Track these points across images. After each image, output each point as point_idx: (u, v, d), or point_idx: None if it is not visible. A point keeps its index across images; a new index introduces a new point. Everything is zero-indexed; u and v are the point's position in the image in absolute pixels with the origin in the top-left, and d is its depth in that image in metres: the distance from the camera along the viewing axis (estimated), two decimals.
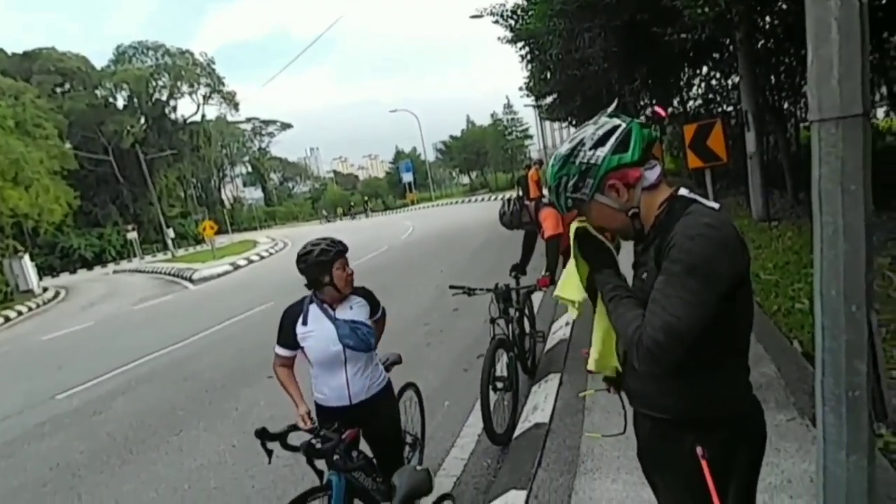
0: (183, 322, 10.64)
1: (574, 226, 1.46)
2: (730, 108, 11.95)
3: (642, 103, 14.32)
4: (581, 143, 1.30)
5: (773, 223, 7.65)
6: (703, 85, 12.67)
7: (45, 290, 24.34)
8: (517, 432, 3.62)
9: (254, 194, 74.68)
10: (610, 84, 11.96)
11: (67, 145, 35.86)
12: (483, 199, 35.77)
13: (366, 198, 50.35)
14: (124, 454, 4.68)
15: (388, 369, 2.79)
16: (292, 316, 2.49)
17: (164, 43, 50.33)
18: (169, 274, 22.18)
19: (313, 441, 2.24)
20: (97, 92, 46.90)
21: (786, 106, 10.34)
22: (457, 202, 39.01)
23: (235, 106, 55.08)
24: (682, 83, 12.72)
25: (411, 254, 15.01)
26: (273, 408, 4.88)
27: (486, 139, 48.16)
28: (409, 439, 3.13)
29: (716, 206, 1.27)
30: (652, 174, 1.31)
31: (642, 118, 1.35)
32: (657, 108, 1.38)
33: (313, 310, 2.47)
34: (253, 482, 3.75)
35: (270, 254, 23.94)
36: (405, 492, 1.71)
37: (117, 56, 49.72)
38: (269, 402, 5.08)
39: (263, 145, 71.29)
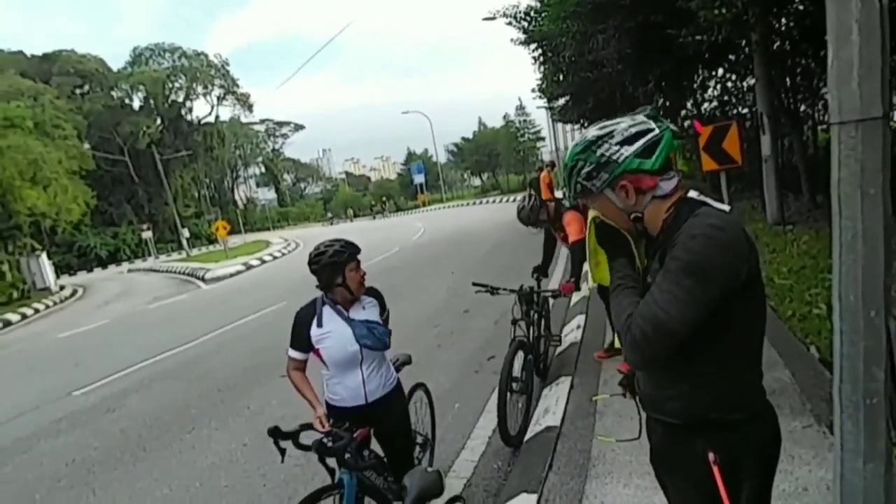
0: (196, 321, 10.75)
1: (591, 214, 1.46)
2: (745, 111, 11.81)
3: (657, 105, 14.25)
4: (610, 134, 1.28)
5: (789, 227, 7.55)
6: (718, 87, 12.53)
7: (62, 288, 24.74)
8: (528, 435, 3.61)
9: (266, 195, 75.27)
10: (623, 86, 11.87)
11: (86, 146, 36.41)
12: (494, 201, 35.69)
13: (384, 198, 50.48)
14: (138, 451, 4.73)
15: (398, 370, 2.80)
16: (305, 318, 2.49)
17: (181, 45, 51.02)
18: (183, 273, 22.43)
19: (325, 440, 2.25)
20: (113, 93, 47.64)
21: (802, 108, 10.19)
22: (468, 204, 38.98)
23: (249, 107, 55.73)
24: (696, 85, 12.59)
25: (422, 255, 15.03)
26: (285, 407, 4.91)
27: (497, 141, 48.06)
28: (419, 440, 3.13)
29: (726, 207, 1.25)
30: (668, 185, 1.29)
31: (674, 127, 1.32)
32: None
33: (327, 311, 2.47)
34: (264, 481, 3.78)
35: (283, 254, 24.10)
36: (416, 493, 1.71)
37: (134, 58, 50.52)
38: (281, 401, 5.11)
39: (277, 146, 71.86)
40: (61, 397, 6.76)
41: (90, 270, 39.08)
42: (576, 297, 6.06)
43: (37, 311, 18.85)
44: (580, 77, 11.70)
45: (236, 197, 64.59)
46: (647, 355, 1.21)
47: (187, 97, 51.53)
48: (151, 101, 48.79)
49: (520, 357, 3.79)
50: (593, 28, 8.75)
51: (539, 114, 40.26)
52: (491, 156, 49.42)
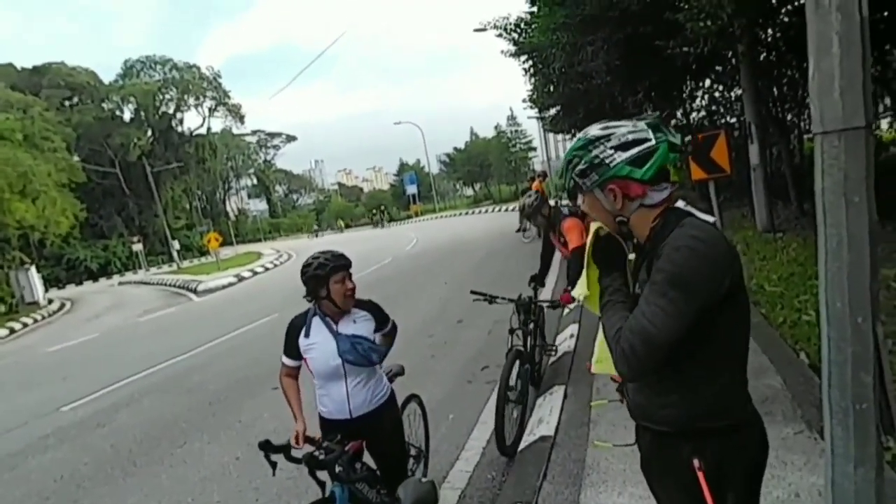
0: (187, 334, 10.65)
1: (594, 226, 1.47)
2: (733, 120, 11.98)
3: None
4: (608, 137, 1.29)
5: (778, 234, 7.63)
6: (706, 97, 12.71)
7: (50, 301, 24.48)
8: (522, 445, 3.60)
9: (258, 206, 75.01)
10: (613, 97, 12.00)
11: (76, 158, 36.21)
12: (487, 211, 35.80)
13: (383, 207, 50.26)
14: (128, 466, 4.67)
15: (391, 380, 2.78)
16: (297, 327, 2.51)
17: (172, 58, 51.02)
18: (174, 286, 22.26)
19: (316, 453, 2.23)
20: (104, 105, 47.48)
21: (789, 117, 10.36)
22: (460, 214, 39.07)
23: (241, 118, 55.69)
24: (684, 95, 12.76)
25: (415, 265, 15.02)
26: (276, 420, 4.86)
27: (489, 151, 48.31)
28: (413, 452, 3.11)
29: (710, 219, 1.27)
30: (658, 196, 1.30)
31: (674, 139, 1.31)
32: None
33: (316, 322, 2.47)
34: (257, 495, 3.74)
35: (275, 265, 23.99)
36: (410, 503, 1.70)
37: (125, 70, 50.40)
38: (273, 414, 5.07)
39: (268, 157, 71.69)
40: (50, 412, 6.66)
41: (80, 283, 38.67)
42: (571, 306, 6.07)
43: (25, 325, 18.62)
44: (570, 88, 11.81)
45: (228, 208, 64.32)
46: (635, 368, 1.22)
47: (178, 109, 51.45)
48: (142, 113, 48.66)
49: (517, 367, 3.80)
50: (583, 40, 8.85)
51: (530, 124, 40.64)
52: (483, 166, 49.61)
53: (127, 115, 49.31)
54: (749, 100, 8.23)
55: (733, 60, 9.18)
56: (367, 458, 2.56)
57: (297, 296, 2.62)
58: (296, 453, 2.25)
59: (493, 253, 13.77)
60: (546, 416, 3.80)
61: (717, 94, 12.26)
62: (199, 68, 52.10)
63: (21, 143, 24.44)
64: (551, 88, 12.96)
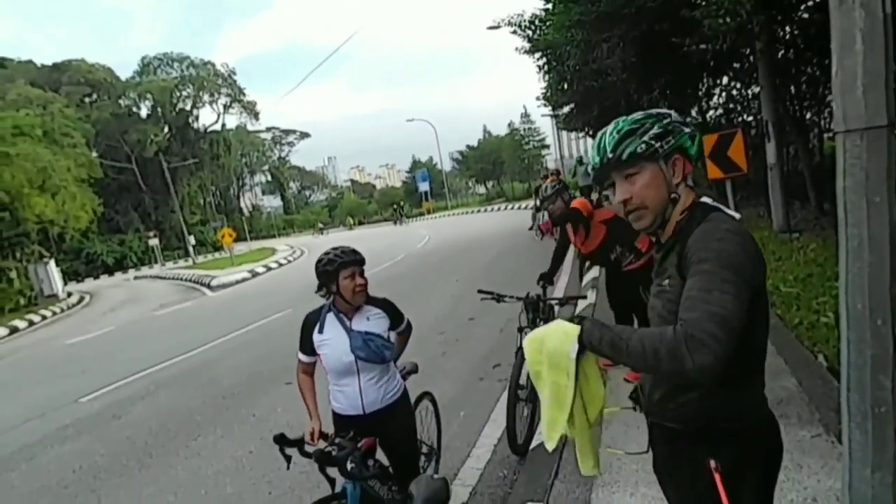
0: (202, 328, 10.78)
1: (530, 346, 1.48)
2: (750, 118, 11.80)
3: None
4: (669, 114, 1.33)
5: (795, 235, 7.52)
6: (723, 95, 12.54)
7: (69, 294, 24.90)
8: (533, 443, 3.59)
9: (272, 202, 75.69)
10: (628, 94, 11.90)
11: (94, 154, 36.75)
12: (499, 209, 35.70)
13: (401, 203, 49.90)
14: (144, 458, 4.74)
15: (405, 378, 2.79)
16: (311, 323, 2.53)
17: (189, 55, 51.63)
18: (188, 280, 22.53)
19: (328, 449, 2.25)
20: (121, 102, 48.15)
21: (808, 116, 10.18)
22: (473, 212, 39.01)
23: (255, 115, 56.21)
24: (701, 93, 12.61)
25: (428, 263, 15.03)
26: (290, 414, 4.91)
27: (502, 149, 48.13)
28: (425, 449, 3.12)
29: (736, 215, 1.28)
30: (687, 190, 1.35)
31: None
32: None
33: (330, 318, 2.49)
34: (270, 488, 3.77)
35: (289, 261, 24.17)
36: (423, 501, 1.71)
37: (142, 67, 51.09)
38: (287, 408, 5.12)
39: (283, 154, 72.35)
40: (68, 404, 6.79)
41: (97, 277, 39.35)
42: (581, 304, 6.04)
43: (44, 317, 18.96)
44: (585, 86, 11.74)
45: (242, 204, 64.95)
46: (720, 355, 1.10)
47: (194, 105, 52.05)
48: (159, 110, 49.29)
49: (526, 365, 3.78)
50: (598, 37, 8.78)
51: (544, 122, 40.45)
52: (495, 164, 49.45)
53: (144, 112, 50.01)
54: (767, 98, 8.10)
55: (751, 58, 9.05)
56: (380, 454, 2.57)
57: (310, 292, 2.64)
58: (309, 448, 2.27)
59: (506, 251, 13.73)
60: None
61: (734, 92, 12.09)
62: (214, 65, 52.68)
63: (41, 138, 24.84)
64: (565, 86, 12.89)
